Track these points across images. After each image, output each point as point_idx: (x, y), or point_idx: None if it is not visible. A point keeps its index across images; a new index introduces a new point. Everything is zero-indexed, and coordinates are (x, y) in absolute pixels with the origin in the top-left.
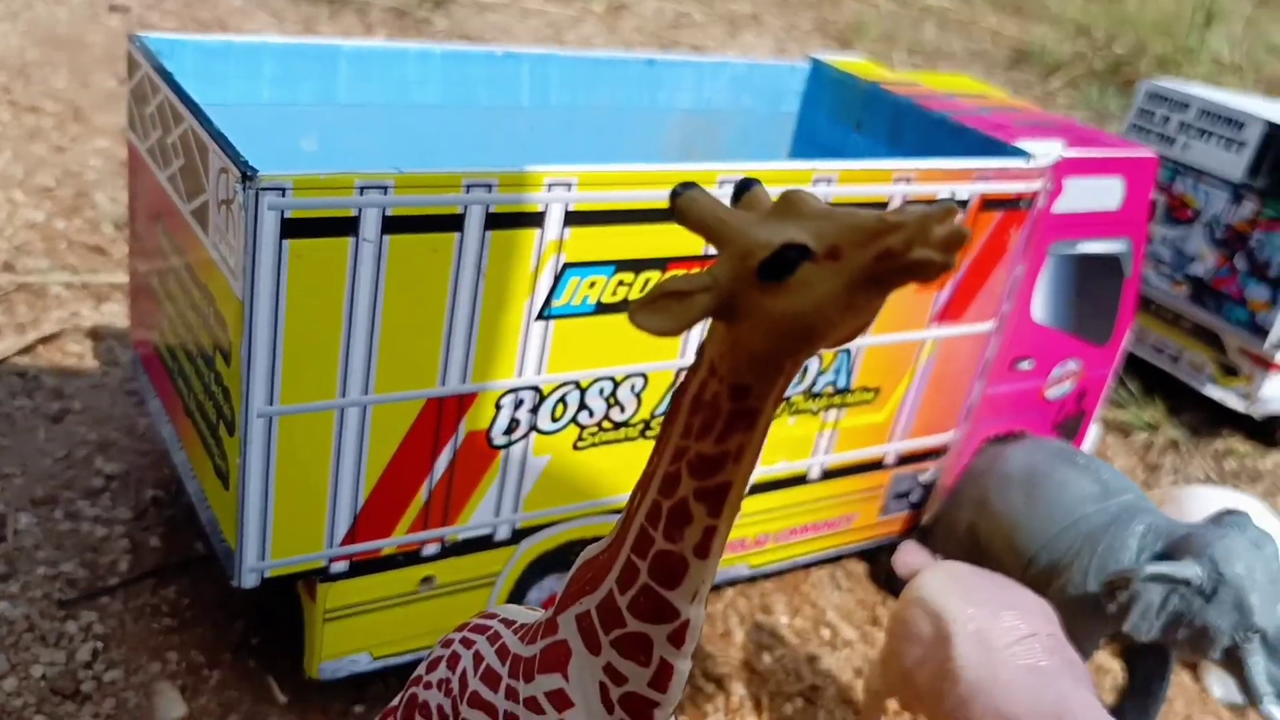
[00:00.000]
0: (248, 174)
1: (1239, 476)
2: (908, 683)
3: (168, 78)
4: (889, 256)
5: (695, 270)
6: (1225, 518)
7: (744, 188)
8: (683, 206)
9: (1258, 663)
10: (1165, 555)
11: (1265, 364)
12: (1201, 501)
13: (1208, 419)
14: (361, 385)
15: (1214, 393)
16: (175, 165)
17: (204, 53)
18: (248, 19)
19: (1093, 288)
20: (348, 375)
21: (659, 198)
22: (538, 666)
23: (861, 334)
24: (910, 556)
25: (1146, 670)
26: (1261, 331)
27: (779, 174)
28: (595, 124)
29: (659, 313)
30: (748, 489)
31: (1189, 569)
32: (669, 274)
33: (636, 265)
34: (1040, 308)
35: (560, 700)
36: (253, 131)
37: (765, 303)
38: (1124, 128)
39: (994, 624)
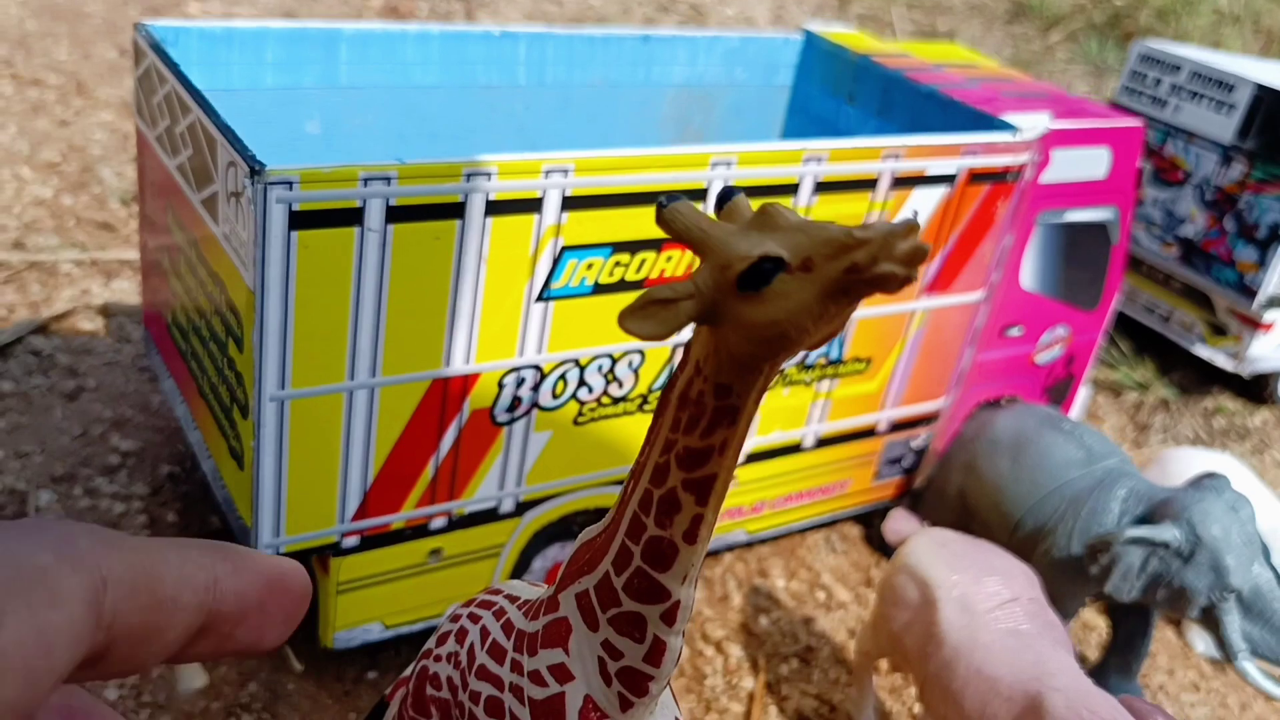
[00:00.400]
0: (255, 168)
1: (1227, 434)
2: (896, 645)
3: (174, 68)
4: (856, 270)
5: (680, 279)
6: (1204, 481)
7: (725, 197)
8: (668, 218)
9: (1233, 621)
10: (1146, 519)
11: (1253, 324)
12: (1186, 463)
13: (1198, 378)
14: (369, 368)
15: (1203, 352)
16: (184, 155)
17: (208, 39)
18: None
19: (1081, 254)
20: (356, 359)
21: (654, 181)
22: (540, 641)
23: (834, 338)
24: (900, 524)
25: (1129, 628)
26: (1250, 292)
27: (771, 154)
28: (591, 101)
29: (647, 319)
30: (743, 459)
31: (1167, 532)
32: (663, 254)
33: (633, 246)
34: (1029, 275)
35: (562, 673)
36: (258, 116)
37: (744, 310)
38: (1116, 90)
39: (977, 589)
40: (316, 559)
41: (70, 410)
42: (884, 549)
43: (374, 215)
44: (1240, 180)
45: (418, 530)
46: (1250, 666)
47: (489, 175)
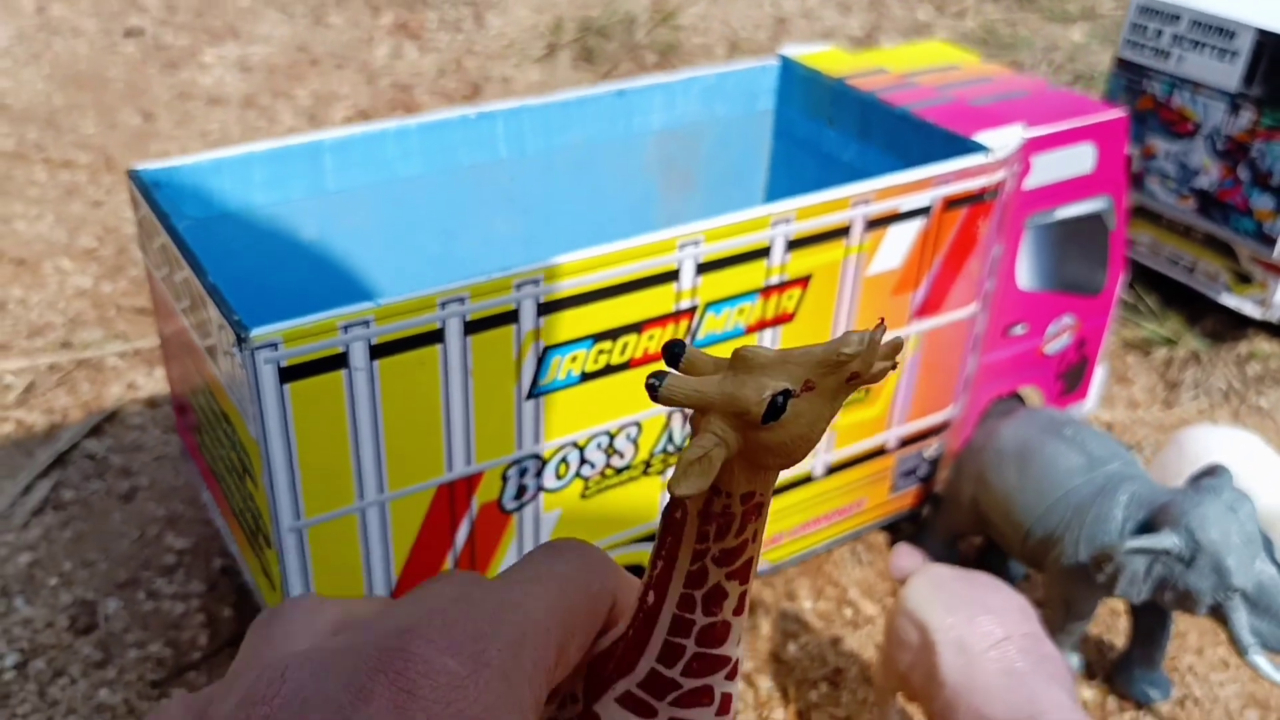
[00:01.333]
0: (241, 335)
1: (1262, 380)
2: (905, 683)
3: (166, 221)
4: (856, 377)
5: (695, 437)
6: (1203, 481)
7: (676, 350)
8: (667, 397)
9: (1240, 618)
10: (1148, 523)
11: (1278, 270)
12: (1202, 442)
13: (1229, 324)
14: (376, 486)
15: (1230, 301)
16: (184, 303)
17: (198, 173)
18: (258, 19)
19: (1080, 243)
20: (362, 480)
21: (625, 273)
22: None
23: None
24: (902, 560)
25: (1148, 620)
26: (1269, 240)
27: (737, 226)
28: (574, 161)
29: (691, 479)
30: None
31: (1167, 540)
32: (645, 334)
33: (613, 334)
34: (1026, 273)
35: None
36: (252, 235)
37: (765, 438)
38: (1119, 44)
39: (971, 630)
40: None
41: (127, 512)
42: None
43: (358, 356)
44: (1250, 128)
45: None
46: (1261, 660)
47: (462, 300)
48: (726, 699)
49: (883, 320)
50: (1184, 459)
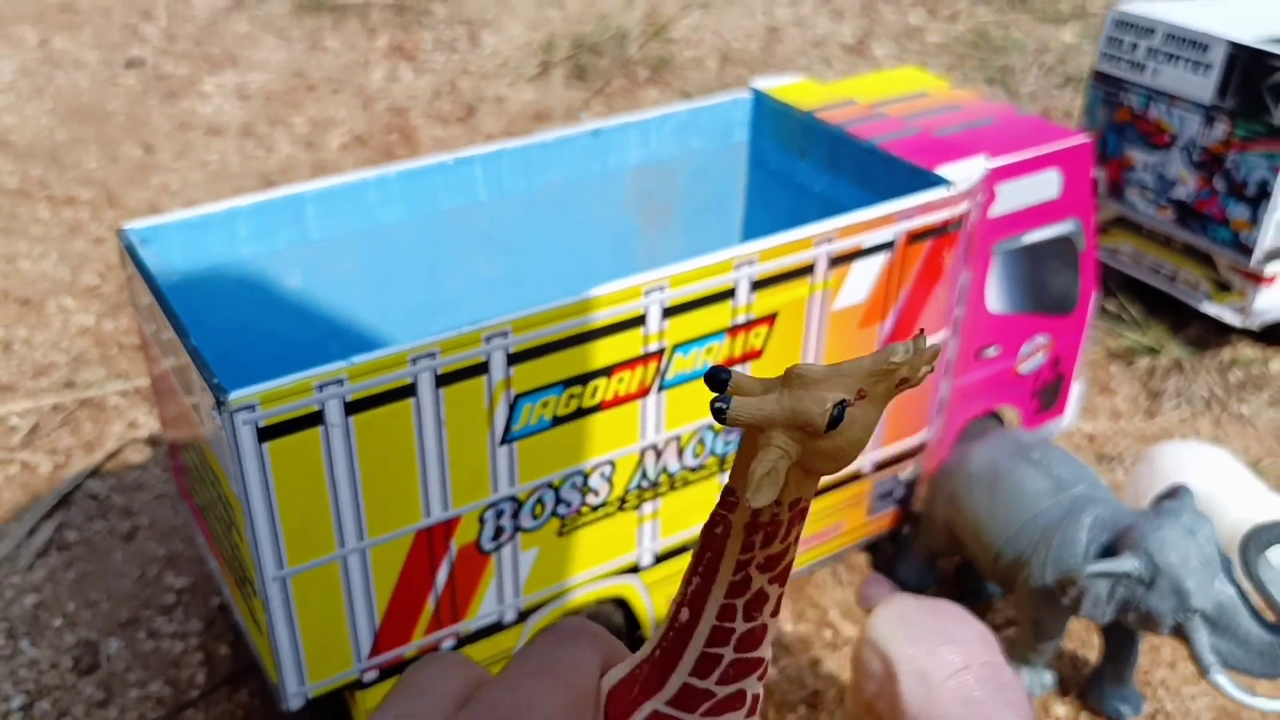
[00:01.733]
0: (220, 399)
1: (1244, 387)
2: (871, 711)
3: (151, 283)
4: (904, 383)
5: (762, 451)
6: (1164, 504)
7: (721, 377)
8: (733, 419)
9: (1201, 638)
10: (1111, 547)
11: (1256, 278)
12: (1174, 459)
13: (1214, 329)
14: (356, 534)
15: (1211, 309)
16: (170, 360)
17: (185, 229)
18: (256, 45)
19: (1051, 264)
20: (342, 529)
21: (591, 321)
22: None
23: None
24: (871, 590)
25: (1117, 639)
26: (1246, 250)
27: (700, 271)
28: (552, 201)
29: (765, 489)
30: None
31: (1127, 563)
32: (614, 377)
33: (583, 379)
34: (997, 295)
35: None
36: (239, 285)
37: (824, 445)
38: (1096, 58)
39: (932, 661)
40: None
41: (129, 551)
42: (891, 574)
43: (333, 413)
44: (1224, 140)
45: (431, 652)
46: (1222, 679)
47: (433, 355)
48: (755, 700)
49: (922, 330)
50: (1156, 476)
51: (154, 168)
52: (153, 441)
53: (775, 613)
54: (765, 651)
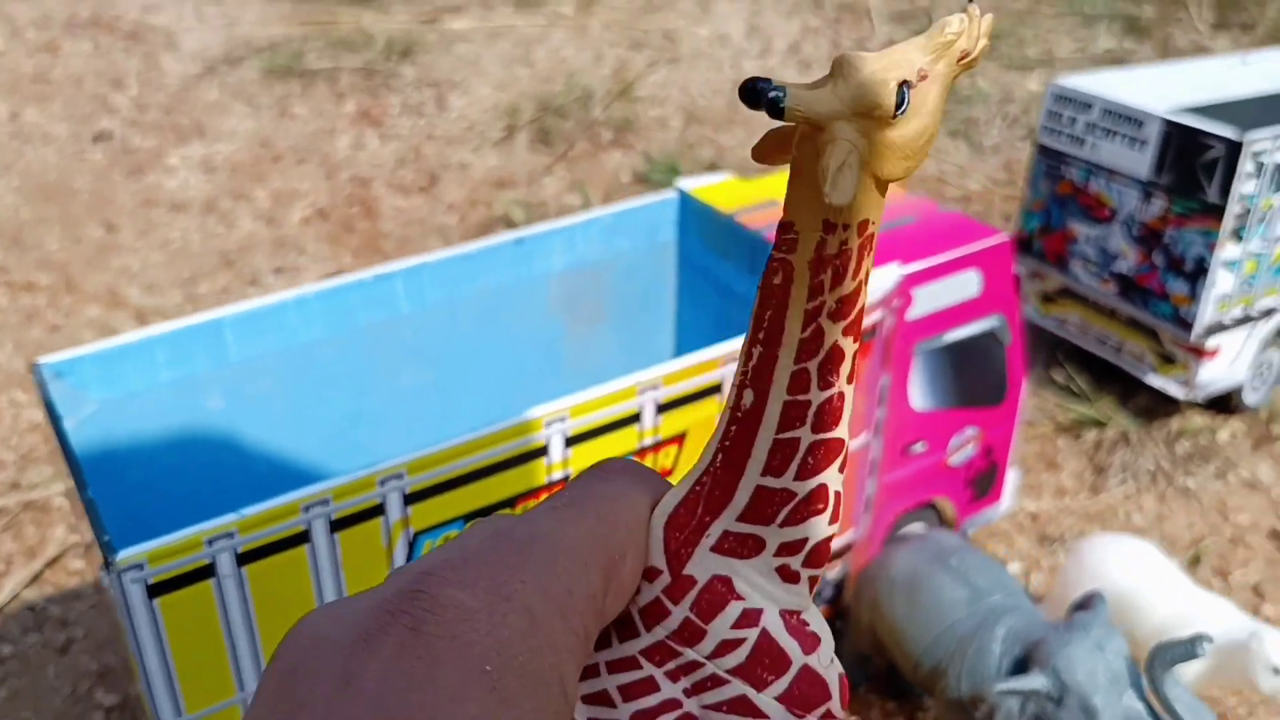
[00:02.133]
0: (109, 559)
1: (1191, 459)
2: None
3: (57, 425)
4: (965, 56)
5: (829, 146)
6: (1075, 618)
7: (760, 92)
8: (790, 110)
9: None
10: (1022, 661)
11: (1198, 352)
12: (1100, 554)
13: (1162, 398)
14: (256, 677)
15: (1156, 381)
16: (76, 502)
17: (102, 360)
18: (225, 113)
19: (976, 358)
20: (241, 673)
21: (492, 455)
22: (701, 618)
23: None
24: None
25: None
26: (1186, 324)
27: (603, 400)
28: (476, 310)
29: (844, 183)
30: None
31: (1036, 681)
32: (519, 509)
33: (486, 511)
34: (921, 392)
35: (748, 619)
36: (157, 409)
37: (893, 136)
38: (1038, 129)
39: None
40: None
41: (61, 666)
42: None
43: (225, 565)
44: (1162, 215)
45: None
46: None
47: (326, 502)
48: (838, 500)
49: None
50: (1083, 573)
51: (115, 248)
52: (91, 546)
53: (852, 378)
54: (844, 430)
